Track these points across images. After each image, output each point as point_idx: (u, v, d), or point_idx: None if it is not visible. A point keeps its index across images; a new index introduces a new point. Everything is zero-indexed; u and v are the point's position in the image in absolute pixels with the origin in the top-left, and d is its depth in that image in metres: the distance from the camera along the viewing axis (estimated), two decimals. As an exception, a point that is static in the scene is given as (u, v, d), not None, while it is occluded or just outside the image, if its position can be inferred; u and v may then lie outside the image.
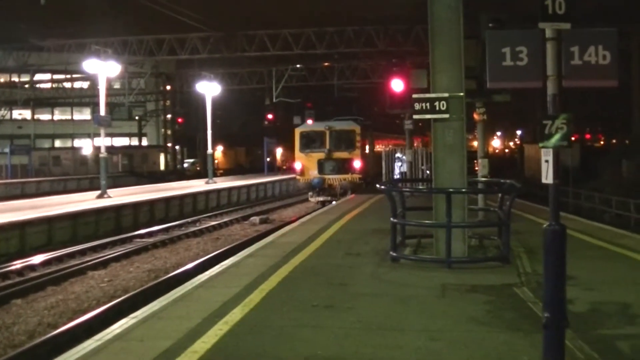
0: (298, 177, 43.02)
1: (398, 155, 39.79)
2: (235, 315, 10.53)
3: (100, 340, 9.33)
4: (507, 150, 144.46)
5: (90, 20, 54.13)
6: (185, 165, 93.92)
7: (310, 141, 43.79)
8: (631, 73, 56.48)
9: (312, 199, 43.47)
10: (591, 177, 51.61)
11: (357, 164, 41.53)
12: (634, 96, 57.84)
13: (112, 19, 55.25)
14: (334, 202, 38.22)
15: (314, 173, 42.07)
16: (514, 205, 16.55)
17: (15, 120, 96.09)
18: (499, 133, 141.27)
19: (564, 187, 40.35)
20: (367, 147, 47.21)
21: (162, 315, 10.75)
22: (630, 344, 8.97)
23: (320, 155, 42.11)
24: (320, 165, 42.03)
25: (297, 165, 42.26)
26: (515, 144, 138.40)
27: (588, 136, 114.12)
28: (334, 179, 42.07)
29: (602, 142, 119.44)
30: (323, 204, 41.01)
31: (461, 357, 8.54)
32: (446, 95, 14.99)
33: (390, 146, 49.12)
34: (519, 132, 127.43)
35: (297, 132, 44.89)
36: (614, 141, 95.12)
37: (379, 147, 50.94)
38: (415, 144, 46.38)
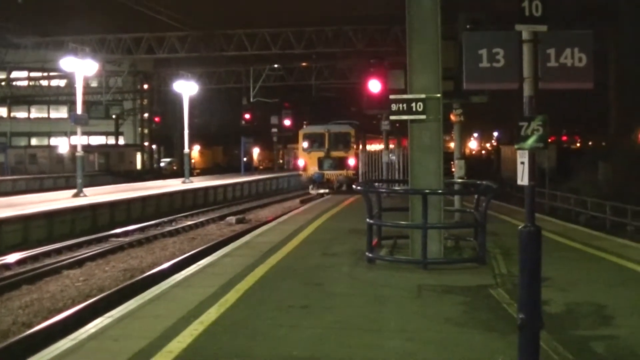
0: (301, 172, 49.20)
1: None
2: (211, 315, 10.51)
3: (75, 340, 9.29)
4: (483, 152, 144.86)
5: (67, 18, 54.00)
6: (162, 164, 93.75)
7: (312, 142, 50.12)
8: (608, 74, 56.74)
9: (313, 191, 48.37)
10: (567, 178, 51.85)
11: (351, 161, 47.68)
12: (611, 97, 58.10)
13: (90, 17, 55.12)
14: (329, 195, 42.89)
15: (314, 169, 48.14)
16: (490, 207, 16.60)
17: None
18: (475, 134, 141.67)
19: (540, 189, 40.53)
20: (360, 147, 51.00)
21: (138, 314, 10.73)
22: (605, 344, 9.01)
23: (320, 153, 48.04)
24: (320, 163, 47.97)
25: (301, 162, 48.49)
26: (492, 145, 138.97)
27: (565, 138, 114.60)
28: (332, 174, 48.07)
29: (578, 144, 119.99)
30: (322, 195, 45.56)
31: (437, 358, 8.57)
32: (423, 96, 15.02)
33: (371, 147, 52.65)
34: (495, 134, 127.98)
35: (301, 133, 52.05)
36: (591, 143, 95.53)
37: (369, 147, 53.54)
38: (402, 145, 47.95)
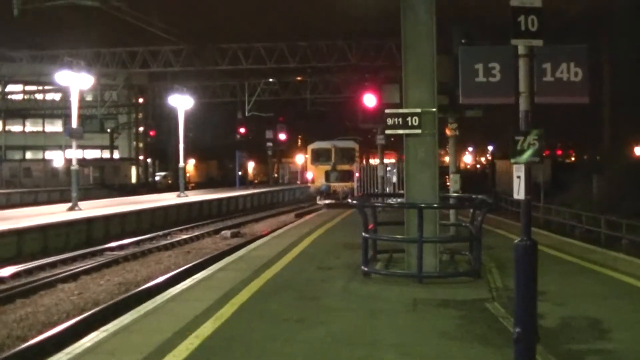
0: (310, 184, 52.41)
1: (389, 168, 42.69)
2: (207, 329, 10.51)
3: (70, 354, 9.27)
4: (478, 166, 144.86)
5: (63, 31, 53.97)
6: (157, 178, 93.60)
7: (319, 156, 54.00)
8: (602, 88, 56.84)
9: (320, 202, 50.81)
10: (562, 192, 51.84)
11: (356, 174, 46.34)
12: (605, 111, 58.20)
13: (85, 30, 55.09)
14: (324, 209, 44.50)
15: (322, 181, 51.30)
16: (485, 220, 16.60)
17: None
18: (470, 148, 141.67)
19: (535, 202, 40.51)
20: (363, 161, 54.21)
21: (133, 328, 10.71)
22: (600, 358, 9.03)
23: (327, 167, 51.26)
24: (327, 175, 51.09)
25: (309, 175, 51.85)
26: (486, 159, 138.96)
27: (559, 152, 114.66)
28: (337, 186, 51.11)
29: (573, 158, 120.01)
30: (328, 205, 47.39)
31: (432, 372, 8.58)
32: (419, 110, 15.03)
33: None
34: (490, 148, 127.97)
35: (309, 148, 56.28)
36: (585, 157, 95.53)
37: (372, 161, 55.88)
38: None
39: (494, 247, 19.25)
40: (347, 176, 50.99)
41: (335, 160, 52.25)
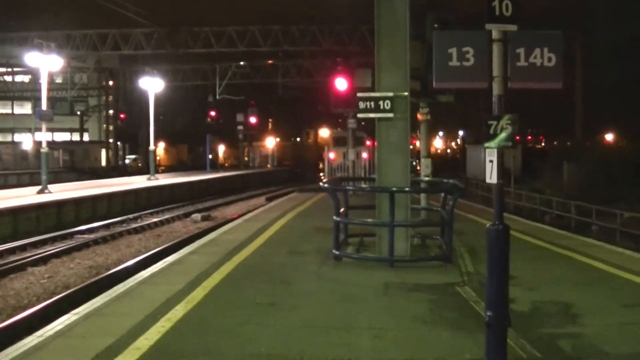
0: (332, 162, 52.86)
1: None
2: (178, 312, 10.48)
3: (41, 337, 9.21)
4: (448, 151, 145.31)
5: (33, 13, 53.59)
6: (127, 161, 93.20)
7: (338, 141, 66.71)
8: (574, 75, 57.19)
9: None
10: (532, 178, 52.08)
11: (364, 155, 48.37)
12: (577, 99, 58.54)
13: (55, 12, 54.75)
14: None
15: (341, 159, 52.69)
16: (456, 205, 16.65)
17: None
18: (440, 133, 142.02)
19: (506, 188, 40.69)
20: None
21: (105, 311, 10.67)
22: (571, 342, 9.08)
23: (344, 150, 51.71)
24: (344, 156, 51.44)
25: (331, 155, 52.57)
26: (457, 144, 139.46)
27: (529, 138, 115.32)
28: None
29: (543, 144, 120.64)
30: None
31: (405, 355, 8.59)
32: (391, 94, 15.05)
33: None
34: (461, 133, 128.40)
35: (332, 136, 78.72)
36: (555, 143, 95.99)
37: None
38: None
39: (465, 232, 19.33)
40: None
41: (351, 144, 55.13)
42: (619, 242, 25.30)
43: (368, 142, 58.16)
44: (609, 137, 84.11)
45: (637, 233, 26.71)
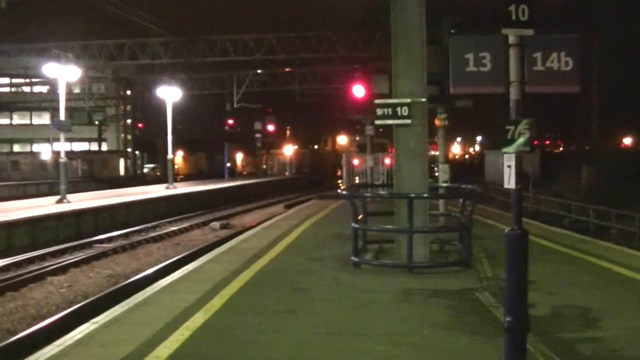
0: (356, 168, 53.11)
1: None
2: (197, 320, 10.48)
3: (61, 346, 9.23)
4: (466, 156, 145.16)
5: (50, 24, 53.80)
6: (145, 170, 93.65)
7: (361, 147, 62.64)
8: (591, 79, 57.06)
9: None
10: (551, 182, 52.02)
11: (387, 161, 48.86)
12: (594, 102, 58.40)
13: (72, 23, 54.95)
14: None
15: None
16: (474, 211, 16.62)
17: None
18: (459, 139, 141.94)
19: (524, 192, 40.62)
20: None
21: (124, 320, 10.68)
22: (591, 347, 9.04)
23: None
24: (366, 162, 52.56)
25: (355, 162, 52.20)
26: (474, 150, 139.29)
27: (547, 142, 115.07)
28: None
29: (561, 148, 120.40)
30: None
31: (424, 361, 8.58)
32: (408, 100, 15.02)
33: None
34: (479, 138, 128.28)
35: (357, 143, 76.84)
36: (573, 147, 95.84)
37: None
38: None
39: (483, 237, 19.25)
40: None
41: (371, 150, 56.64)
42: (638, 245, 25.22)
43: (390, 149, 59.05)
44: (627, 140, 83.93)
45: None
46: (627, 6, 55.78)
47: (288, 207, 46.74)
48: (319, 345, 9.19)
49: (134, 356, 8.69)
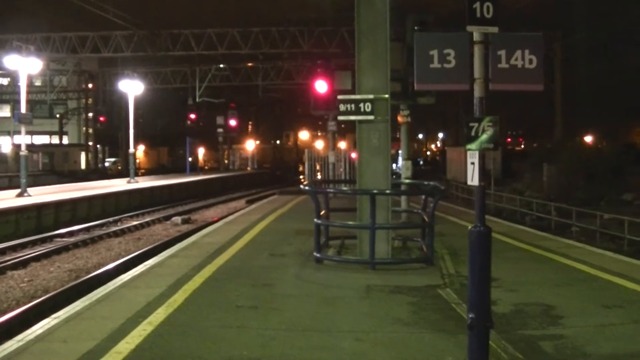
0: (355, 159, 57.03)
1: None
2: (159, 315, 10.44)
3: (22, 341, 9.15)
4: (428, 153, 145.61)
5: (12, 16, 53.35)
6: (107, 164, 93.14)
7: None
8: (554, 77, 57.46)
9: None
10: (512, 179, 52.34)
11: (353, 155, 50.75)
12: (556, 101, 58.84)
13: (35, 15, 54.56)
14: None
15: None
16: (437, 207, 16.67)
17: None
18: (420, 135, 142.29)
19: (486, 190, 40.83)
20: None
21: (85, 315, 10.61)
22: (553, 344, 9.08)
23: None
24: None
25: (353, 155, 52.18)
26: (436, 146, 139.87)
27: (509, 140, 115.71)
28: None
29: (522, 146, 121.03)
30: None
31: (387, 358, 8.57)
32: (371, 96, 15.05)
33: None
34: (440, 135, 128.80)
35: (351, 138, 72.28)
36: (535, 145, 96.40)
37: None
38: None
39: (445, 234, 19.35)
40: None
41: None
42: (599, 243, 25.44)
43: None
44: (588, 138, 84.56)
45: (617, 234, 26.86)
46: (591, 6, 56.28)
47: (250, 202, 46.72)
48: (282, 342, 9.16)
49: (96, 351, 8.63)
